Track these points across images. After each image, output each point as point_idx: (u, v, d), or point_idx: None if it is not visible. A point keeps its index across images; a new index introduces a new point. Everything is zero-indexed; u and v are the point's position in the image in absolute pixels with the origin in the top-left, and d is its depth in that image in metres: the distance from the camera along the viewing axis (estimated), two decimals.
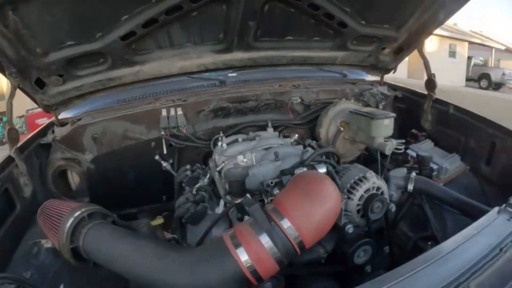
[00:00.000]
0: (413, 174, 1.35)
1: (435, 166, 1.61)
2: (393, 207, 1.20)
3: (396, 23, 1.81)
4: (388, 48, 2.04)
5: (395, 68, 2.21)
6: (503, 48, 21.06)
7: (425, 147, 1.83)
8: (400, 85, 2.32)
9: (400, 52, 2.05)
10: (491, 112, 1.82)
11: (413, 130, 2.02)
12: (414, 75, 9.10)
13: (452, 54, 15.36)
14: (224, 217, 1.16)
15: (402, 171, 1.39)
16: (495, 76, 16.97)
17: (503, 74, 17.09)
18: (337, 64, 2.08)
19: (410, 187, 1.31)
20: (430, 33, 1.89)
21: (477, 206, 1.20)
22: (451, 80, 13.40)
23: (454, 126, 1.87)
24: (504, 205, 0.99)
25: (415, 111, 2.05)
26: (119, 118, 1.63)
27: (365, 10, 1.65)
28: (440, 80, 2.02)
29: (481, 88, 16.10)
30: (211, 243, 1.00)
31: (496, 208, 0.99)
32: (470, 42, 16.74)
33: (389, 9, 1.71)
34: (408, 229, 1.48)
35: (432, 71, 1.93)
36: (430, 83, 1.93)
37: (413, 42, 1.93)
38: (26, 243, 1.23)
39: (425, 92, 1.99)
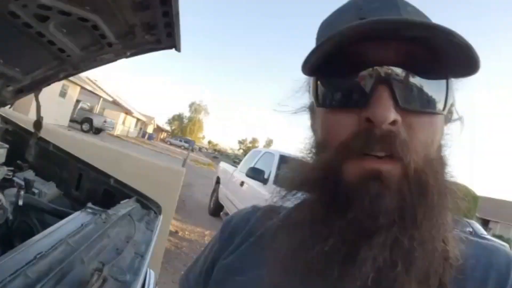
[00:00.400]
0: (22, 192, 1.71)
1: (36, 191, 2.00)
2: (10, 215, 1.54)
3: (26, 69, 2.16)
4: (11, 87, 2.29)
5: (12, 104, 2.46)
6: (111, 99, 24.70)
7: (26, 176, 2.14)
8: (12, 119, 2.53)
9: (20, 93, 2.36)
10: (80, 151, 2.46)
11: (18, 161, 2.27)
12: (19, 109, 8.86)
13: (63, 94, 15.97)
14: None
15: (14, 190, 1.72)
16: (97, 122, 19.05)
17: (105, 121, 19.68)
18: None
19: (21, 202, 1.66)
20: (49, 84, 2.38)
21: (68, 211, 1.75)
22: (55, 118, 13.72)
23: (52, 160, 2.35)
24: (84, 208, 1.64)
25: (21, 145, 2.33)
26: None
27: (6, 51, 1.89)
28: (46, 118, 2.45)
29: (82, 130, 17.25)
30: None
31: (79, 211, 1.60)
32: (83, 87, 17.82)
33: (25, 58, 2.04)
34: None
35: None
36: (38, 124, 2.34)
37: (33, 88, 2.30)
38: None
39: (32, 130, 2.34)
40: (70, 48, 1.95)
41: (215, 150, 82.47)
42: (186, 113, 76.32)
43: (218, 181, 7.26)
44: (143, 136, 40.38)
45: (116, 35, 1.86)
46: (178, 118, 76.21)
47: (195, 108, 74.62)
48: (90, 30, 1.79)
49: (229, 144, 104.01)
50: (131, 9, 1.60)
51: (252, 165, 5.49)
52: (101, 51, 2.01)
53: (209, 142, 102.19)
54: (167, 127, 73.23)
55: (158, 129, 59.63)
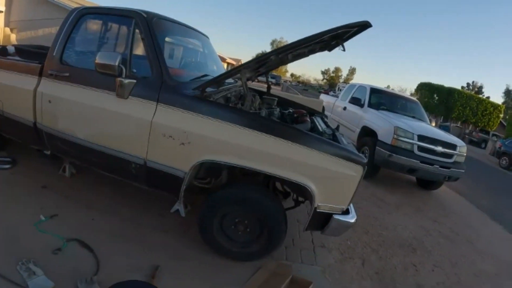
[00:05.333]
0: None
1: None
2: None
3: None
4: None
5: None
6: None
7: None
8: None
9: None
10: None
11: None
12: None
13: None
14: None
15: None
16: None
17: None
18: None
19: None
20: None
21: None
22: None
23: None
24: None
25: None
26: None
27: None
28: None
29: None
30: None
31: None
32: None
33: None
34: None
35: None
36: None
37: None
38: None
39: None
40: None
41: (299, 82, 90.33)
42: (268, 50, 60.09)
43: (322, 109, 8.32)
44: None
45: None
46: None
47: (276, 45, 78.01)
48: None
49: (312, 75, 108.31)
50: None
51: (351, 95, 7.40)
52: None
53: (292, 75, 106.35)
54: None
55: None
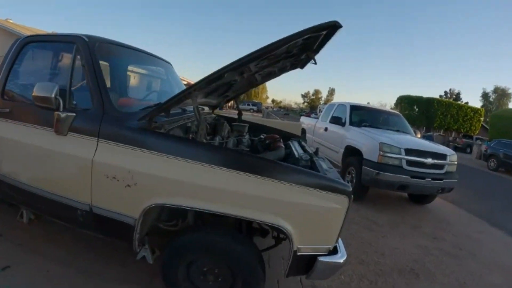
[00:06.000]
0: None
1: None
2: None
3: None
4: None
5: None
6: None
7: None
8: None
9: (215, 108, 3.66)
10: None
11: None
12: None
13: None
14: None
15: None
16: None
17: None
18: None
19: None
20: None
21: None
22: None
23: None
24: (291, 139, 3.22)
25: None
26: None
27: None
28: None
29: None
30: None
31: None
32: None
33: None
34: None
35: None
36: (240, 113, 3.58)
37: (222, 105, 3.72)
38: None
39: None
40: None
41: (280, 107, 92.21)
42: None
43: (303, 132, 8.52)
44: None
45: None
46: None
47: None
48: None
49: (293, 99, 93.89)
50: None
51: (332, 115, 7.22)
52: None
53: (273, 101, 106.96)
54: None
55: None
